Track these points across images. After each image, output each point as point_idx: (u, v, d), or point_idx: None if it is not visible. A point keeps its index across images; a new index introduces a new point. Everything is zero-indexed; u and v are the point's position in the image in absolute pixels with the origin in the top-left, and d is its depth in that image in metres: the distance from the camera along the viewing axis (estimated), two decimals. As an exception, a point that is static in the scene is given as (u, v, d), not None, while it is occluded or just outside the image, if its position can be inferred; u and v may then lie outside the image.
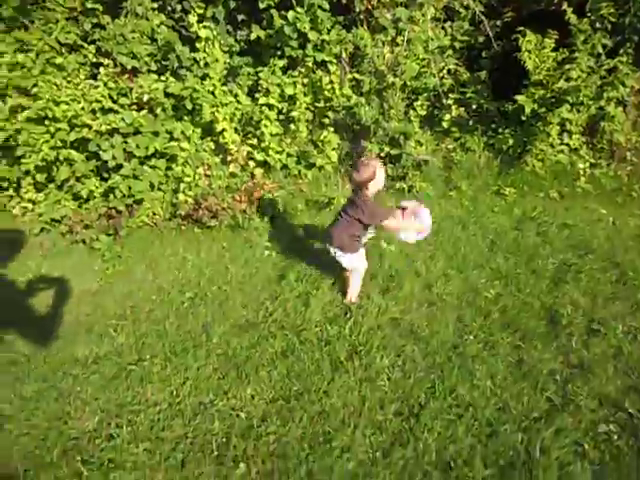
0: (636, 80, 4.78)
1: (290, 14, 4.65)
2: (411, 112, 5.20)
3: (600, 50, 4.68)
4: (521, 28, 4.80)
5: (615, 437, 2.32)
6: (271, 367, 2.77)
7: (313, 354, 2.86)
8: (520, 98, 4.76)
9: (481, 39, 5.52)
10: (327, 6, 4.87)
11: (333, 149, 5.00)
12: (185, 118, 4.83)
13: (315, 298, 3.43)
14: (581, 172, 5.16)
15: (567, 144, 5.18)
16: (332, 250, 3.22)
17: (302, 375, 2.71)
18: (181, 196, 4.61)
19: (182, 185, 4.61)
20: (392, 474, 2.15)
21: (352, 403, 2.52)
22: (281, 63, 5.14)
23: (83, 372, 2.79)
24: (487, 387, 2.60)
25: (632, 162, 5.24)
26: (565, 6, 4.68)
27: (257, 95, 5.13)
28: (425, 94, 5.39)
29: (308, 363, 2.79)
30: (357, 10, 5.07)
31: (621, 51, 4.77)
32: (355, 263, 3.29)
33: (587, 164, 5.17)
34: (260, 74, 5.11)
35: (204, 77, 4.84)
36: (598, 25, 4.71)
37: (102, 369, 2.80)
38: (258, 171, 4.99)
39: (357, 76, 5.14)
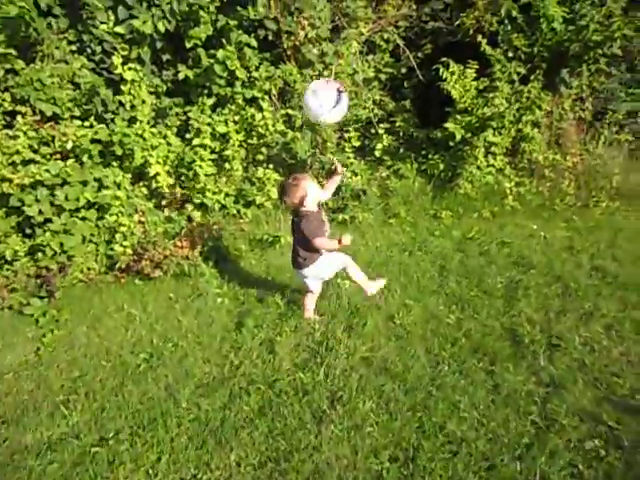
0: (547, 103, 5.16)
1: (220, 53, 4.56)
2: (345, 144, 5.27)
3: (515, 77, 5.01)
4: (444, 59, 5.04)
5: (603, 452, 2.39)
6: (251, 427, 2.60)
7: (292, 407, 2.72)
8: (450, 125, 4.96)
9: (403, 70, 5.73)
10: (255, 43, 4.84)
11: (273, 186, 4.92)
12: (113, 164, 4.56)
13: (280, 344, 3.29)
14: (508, 191, 5.45)
15: (492, 165, 5.47)
16: (298, 274, 3.46)
17: (286, 432, 2.56)
18: (117, 247, 4.32)
19: (117, 235, 4.32)
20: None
21: (344, 455, 2.41)
22: (210, 101, 5.02)
23: (38, 463, 2.46)
24: (474, 418, 2.60)
25: (551, 178, 5.63)
26: (480, 37, 4.99)
27: (188, 135, 4.97)
28: (356, 125, 5.49)
29: (290, 418, 2.65)
30: (284, 46, 5.08)
31: (532, 77, 5.14)
32: (320, 274, 3.45)
33: (512, 183, 5.47)
34: (189, 114, 4.96)
35: (131, 120, 4.61)
36: (510, 54, 5.06)
37: (60, 456, 2.49)
38: (196, 214, 4.80)
39: (290, 111, 5.13)
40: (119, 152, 4.35)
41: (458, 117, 5.08)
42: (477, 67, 4.96)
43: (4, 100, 4.05)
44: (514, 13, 4.87)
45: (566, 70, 5.07)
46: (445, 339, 3.34)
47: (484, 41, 4.94)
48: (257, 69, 5.03)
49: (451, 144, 5.37)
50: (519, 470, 2.28)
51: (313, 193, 3.22)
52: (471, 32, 5.08)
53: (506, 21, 4.94)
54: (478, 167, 5.42)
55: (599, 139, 5.66)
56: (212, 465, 2.38)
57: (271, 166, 4.96)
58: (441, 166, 5.49)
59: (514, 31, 4.94)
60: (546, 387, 2.85)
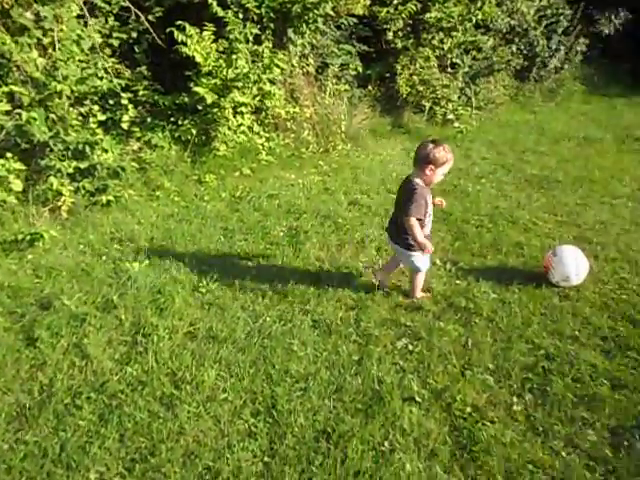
0: (282, 62, 5.58)
1: None
2: (91, 119, 4.80)
3: (250, 38, 5.25)
4: (179, 22, 4.93)
5: (410, 347, 2.95)
6: (99, 439, 2.37)
7: (135, 403, 2.57)
8: (199, 90, 4.95)
9: (133, 35, 5.40)
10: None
11: (16, 177, 4.22)
12: None
13: (90, 346, 3.00)
14: (260, 147, 5.79)
15: (242, 124, 5.71)
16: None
17: (139, 429, 2.42)
18: None
19: None
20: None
21: (209, 427, 2.43)
22: None
23: None
24: (309, 355, 2.88)
25: (293, 130, 6.17)
26: (209, -1, 5.03)
27: None
28: (95, 97, 5.03)
29: (138, 414, 2.50)
30: (-12, 11, 4.26)
31: (263, 37, 5.45)
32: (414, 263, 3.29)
33: (263, 139, 5.83)
34: None
35: None
36: (241, 15, 5.25)
37: None
38: None
39: (14, 88, 4.38)
40: None
41: (204, 80, 5.10)
42: (214, 29, 5.01)
43: None
44: (238, -26, 5.04)
45: (292, 30, 5.51)
46: (254, 294, 3.52)
47: (214, 2, 5.00)
48: (-43, 39, 4.12)
49: (199, 108, 5.40)
50: (361, 382, 2.67)
51: (441, 172, 3.06)
52: (200, -7, 5.07)
53: (231, -18, 5.08)
54: (229, 128, 5.59)
55: (325, 90, 6.39)
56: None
57: (9, 155, 4.22)
58: (193, 131, 5.48)
59: (240, -8, 5.13)
60: (352, 310, 3.32)
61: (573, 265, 3.49)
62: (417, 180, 3.07)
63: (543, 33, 9.00)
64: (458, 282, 3.63)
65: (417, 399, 2.57)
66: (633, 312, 3.30)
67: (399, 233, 3.22)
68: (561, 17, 9.04)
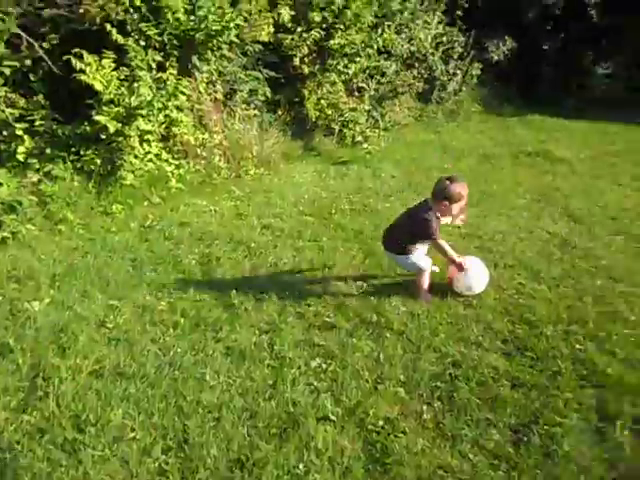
0: (187, 88, 5.54)
1: None
2: (-20, 152, 4.52)
3: (153, 65, 5.18)
4: (76, 49, 4.78)
5: (324, 365, 2.97)
6: None
7: (32, 452, 2.40)
8: (100, 118, 4.80)
9: (27, 62, 5.16)
10: None
11: None
12: None
13: None
14: (170, 175, 5.70)
15: (149, 152, 5.59)
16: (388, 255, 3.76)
17: (38, 480, 2.26)
18: None
19: None
20: None
21: (115, 470, 2.31)
22: None
23: None
24: (222, 383, 2.82)
25: (203, 157, 6.14)
26: (109, 27, 4.92)
27: None
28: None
29: (36, 463, 2.33)
30: None
31: (167, 65, 5.41)
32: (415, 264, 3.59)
33: (172, 167, 5.74)
34: None
35: None
36: (143, 43, 5.18)
37: None
38: None
39: None
40: None
41: (105, 109, 4.95)
42: (114, 57, 4.90)
43: None
44: (137, 2, 4.96)
45: (196, 57, 5.51)
46: (165, 325, 3.41)
47: (114, 30, 4.90)
48: None
49: (103, 137, 5.22)
50: (275, 405, 2.65)
51: (456, 208, 3.43)
52: (98, 21, 4.94)
53: (131, 10, 4.99)
54: (136, 156, 5.45)
55: (234, 116, 6.41)
56: None
57: None
58: (98, 161, 5.29)
59: (142, 20, 5.05)
60: (265, 334, 3.29)
61: (475, 275, 3.70)
62: (430, 212, 3.44)
63: (441, 58, 9.60)
64: (370, 298, 3.72)
65: (331, 417, 2.58)
66: (530, 314, 3.52)
67: (392, 241, 3.64)
68: (455, 44, 9.69)
